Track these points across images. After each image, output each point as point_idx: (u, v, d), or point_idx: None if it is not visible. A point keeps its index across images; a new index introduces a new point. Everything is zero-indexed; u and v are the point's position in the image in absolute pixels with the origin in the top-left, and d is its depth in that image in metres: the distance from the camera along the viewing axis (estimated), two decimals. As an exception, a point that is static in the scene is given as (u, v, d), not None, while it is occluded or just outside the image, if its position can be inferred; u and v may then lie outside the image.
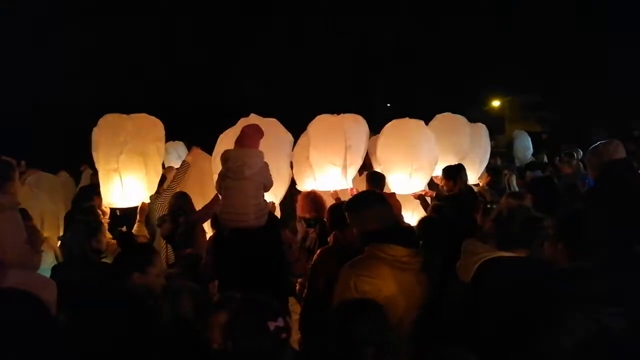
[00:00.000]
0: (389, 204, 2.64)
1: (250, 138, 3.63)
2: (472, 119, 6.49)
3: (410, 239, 2.44)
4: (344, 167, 4.99)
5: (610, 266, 2.08)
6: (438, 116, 6.18)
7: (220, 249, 3.56)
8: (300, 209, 4.23)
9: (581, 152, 11.54)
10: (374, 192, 3.07)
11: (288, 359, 1.84)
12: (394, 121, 5.52)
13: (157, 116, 4.87)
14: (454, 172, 4.98)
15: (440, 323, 2.43)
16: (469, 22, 20.62)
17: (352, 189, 5.16)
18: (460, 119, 6.23)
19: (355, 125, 5.18)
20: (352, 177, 5.18)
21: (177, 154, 8.03)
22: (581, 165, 6.90)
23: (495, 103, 25.87)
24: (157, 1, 19.95)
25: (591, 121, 17.42)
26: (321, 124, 5.11)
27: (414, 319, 2.39)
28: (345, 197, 5.10)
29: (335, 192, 5.00)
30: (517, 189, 6.18)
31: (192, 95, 20.89)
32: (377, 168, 5.48)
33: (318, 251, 3.30)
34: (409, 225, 3.95)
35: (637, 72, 15.89)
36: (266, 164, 3.63)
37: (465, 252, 2.33)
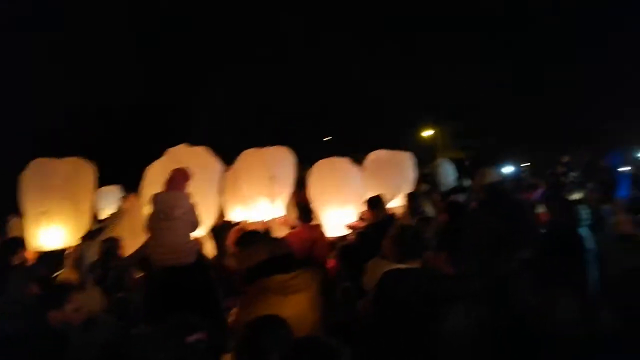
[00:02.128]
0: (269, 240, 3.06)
1: (178, 182, 3.86)
2: (406, 148, 7.13)
3: (290, 264, 2.79)
4: (272, 197, 5.26)
5: (483, 271, 2.52)
6: (381, 152, 6.73)
7: (151, 288, 3.70)
8: (232, 244, 4.42)
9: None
10: (255, 232, 3.52)
11: None
12: (321, 161, 5.94)
13: (96, 158, 4.95)
14: (376, 202, 5.42)
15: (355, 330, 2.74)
16: (403, 59, 22.26)
17: (284, 218, 5.46)
18: (404, 156, 6.85)
19: (279, 156, 5.54)
20: (282, 207, 5.43)
21: (114, 198, 8.00)
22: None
23: (428, 132, 27.47)
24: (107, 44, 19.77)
25: (510, 148, 19.08)
26: (247, 158, 5.45)
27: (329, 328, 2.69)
28: (275, 227, 5.40)
29: (265, 222, 5.23)
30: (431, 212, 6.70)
31: (133, 136, 20.59)
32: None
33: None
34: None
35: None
36: (193, 205, 3.85)
37: (370, 267, 2.71)
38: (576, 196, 5.65)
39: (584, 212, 4.35)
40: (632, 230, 4.25)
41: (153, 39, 21.27)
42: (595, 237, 4.33)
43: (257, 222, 5.29)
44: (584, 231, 4.37)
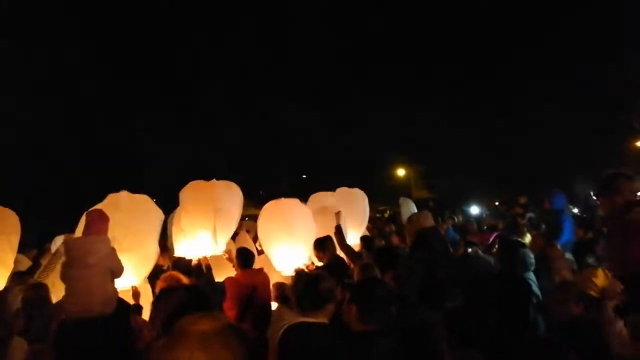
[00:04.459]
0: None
1: (95, 224, 3.59)
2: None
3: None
4: (214, 232, 4.94)
5: (395, 327, 2.33)
6: (338, 190, 6.69)
7: (62, 341, 3.38)
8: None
9: (460, 217, 12.49)
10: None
11: None
12: (271, 202, 5.72)
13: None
14: (323, 244, 5.25)
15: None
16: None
17: (228, 255, 5.19)
18: (359, 193, 6.77)
19: (226, 190, 5.25)
20: (224, 242, 5.13)
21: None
22: (450, 228, 7.55)
23: (401, 172, 27.73)
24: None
25: (478, 187, 19.33)
26: (192, 190, 5.15)
27: None
28: (219, 263, 5.11)
29: (206, 258, 4.91)
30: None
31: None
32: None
33: None
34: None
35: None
36: (113, 250, 3.57)
37: (274, 318, 2.47)
38: (525, 240, 5.57)
39: (529, 257, 4.24)
40: (571, 276, 4.14)
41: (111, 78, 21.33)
42: (539, 283, 4.23)
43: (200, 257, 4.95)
44: (529, 276, 4.26)
